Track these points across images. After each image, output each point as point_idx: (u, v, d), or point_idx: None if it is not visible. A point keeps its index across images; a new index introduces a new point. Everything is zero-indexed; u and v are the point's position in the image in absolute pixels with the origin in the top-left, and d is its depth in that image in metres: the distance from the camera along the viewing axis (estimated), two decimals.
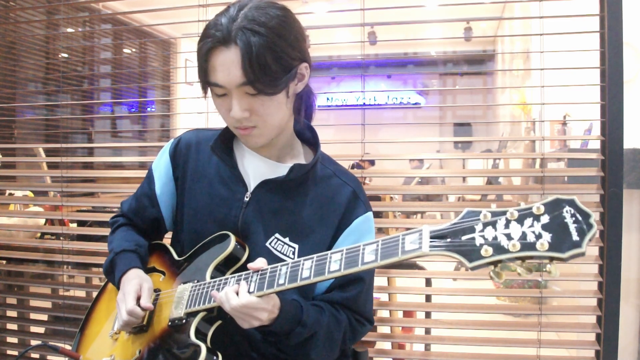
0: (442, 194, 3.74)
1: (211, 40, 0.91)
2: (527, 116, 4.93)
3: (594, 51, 1.50)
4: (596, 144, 1.56)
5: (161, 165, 1.16)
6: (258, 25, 0.89)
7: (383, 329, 1.89)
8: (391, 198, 4.34)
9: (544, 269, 0.65)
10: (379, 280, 1.83)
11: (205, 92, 0.99)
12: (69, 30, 2.13)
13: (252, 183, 1.07)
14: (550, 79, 1.56)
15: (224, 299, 0.89)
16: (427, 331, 1.91)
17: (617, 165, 1.47)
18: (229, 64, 0.90)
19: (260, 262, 0.92)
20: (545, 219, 0.66)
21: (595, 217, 0.66)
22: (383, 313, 2.11)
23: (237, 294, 0.88)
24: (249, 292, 0.88)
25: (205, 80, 0.95)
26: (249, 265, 0.92)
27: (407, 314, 2.22)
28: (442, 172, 4.97)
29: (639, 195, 1.70)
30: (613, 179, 1.47)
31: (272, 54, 0.90)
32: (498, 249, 0.67)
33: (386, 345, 1.97)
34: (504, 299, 3.24)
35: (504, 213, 0.68)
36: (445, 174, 2.13)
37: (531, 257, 0.66)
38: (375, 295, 1.95)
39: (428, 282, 1.91)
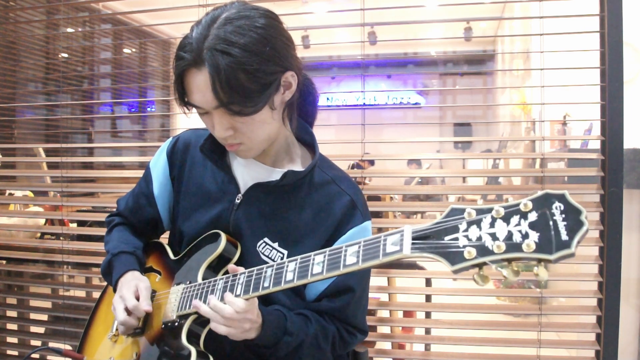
0: (442, 194, 3.73)
1: (182, 63, 0.89)
2: (527, 116, 4.93)
3: (594, 51, 1.50)
4: (596, 144, 1.56)
5: (159, 164, 1.15)
6: (228, 45, 0.85)
7: (383, 329, 1.89)
8: (391, 198, 4.34)
9: (533, 272, 0.61)
10: (379, 280, 1.84)
11: (187, 108, 0.95)
12: (69, 30, 2.12)
13: (244, 185, 1.05)
14: (550, 79, 1.56)
15: (213, 313, 0.88)
16: (427, 331, 1.91)
17: (617, 165, 1.47)
18: (202, 86, 0.87)
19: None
20: (532, 216, 0.61)
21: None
22: (383, 313, 2.11)
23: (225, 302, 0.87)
24: (235, 295, 0.86)
25: (183, 100, 0.93)
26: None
27: (407, 314, 2.22)
28: (442, 172, 4.96)
29: (639, 195, 1.70)
30: (613, 179, 1.47)
31: (245, 74, 0.85)
32: (482, 250, 0.62)
33: (386, 345, 1.97)
34: (504, 299, 3.24)
35: (490, 211, 0.64)
36: (445, 174, 2.13)
37: (518, 259, 0.61)
38: (375, 295, 1.94)
39: (428, 282, 1.91)
